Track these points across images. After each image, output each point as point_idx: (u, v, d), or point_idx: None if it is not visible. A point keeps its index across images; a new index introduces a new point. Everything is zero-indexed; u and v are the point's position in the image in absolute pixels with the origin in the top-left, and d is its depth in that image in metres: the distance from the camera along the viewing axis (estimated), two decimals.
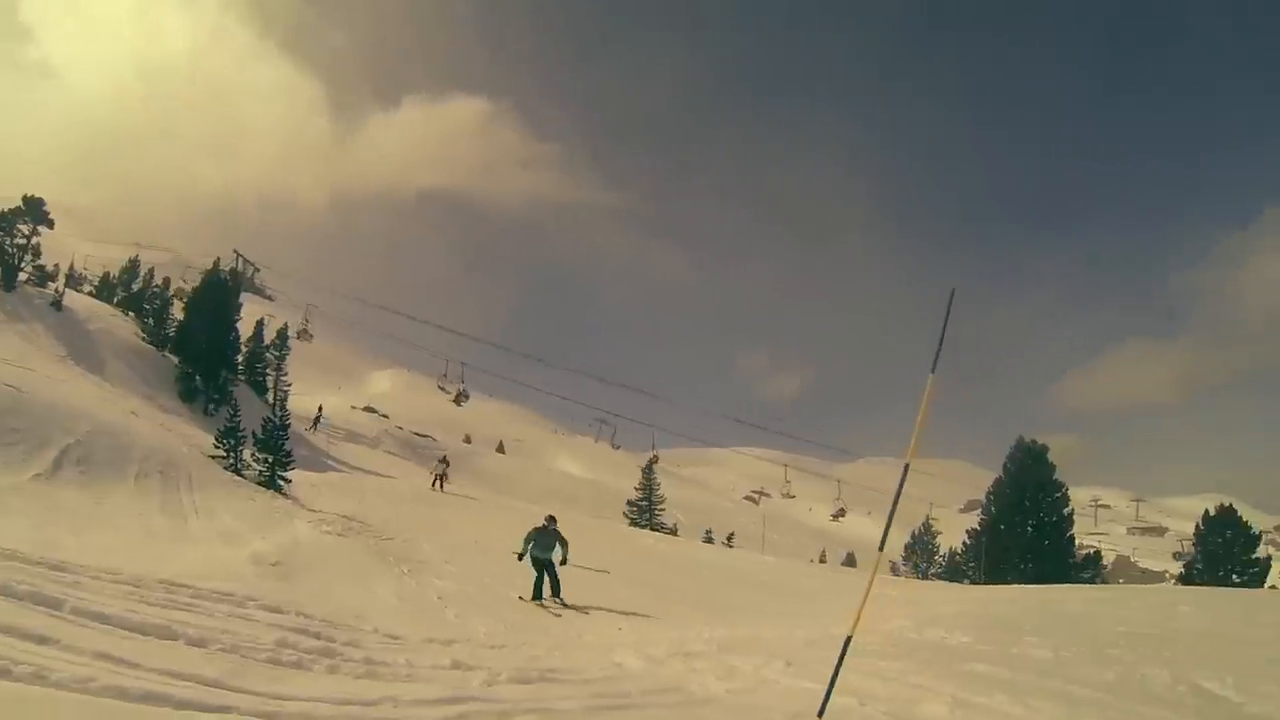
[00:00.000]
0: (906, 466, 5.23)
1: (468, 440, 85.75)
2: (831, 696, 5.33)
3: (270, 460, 20.91)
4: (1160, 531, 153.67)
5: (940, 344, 4.83)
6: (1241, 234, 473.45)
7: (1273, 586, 37.74)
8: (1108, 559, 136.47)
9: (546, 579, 12.66)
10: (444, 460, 32.23)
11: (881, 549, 5.38)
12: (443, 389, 53.81)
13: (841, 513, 60.01)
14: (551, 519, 13.29)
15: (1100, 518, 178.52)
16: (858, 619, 5.10)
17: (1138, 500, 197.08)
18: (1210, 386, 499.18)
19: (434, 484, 29.24)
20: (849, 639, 5.06)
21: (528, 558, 12.75)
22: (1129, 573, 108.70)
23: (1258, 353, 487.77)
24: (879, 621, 10.57)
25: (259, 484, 20.14)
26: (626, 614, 12.30)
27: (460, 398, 50.88)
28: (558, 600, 12.51)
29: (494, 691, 5.96)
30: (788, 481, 61.61)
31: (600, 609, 12.45)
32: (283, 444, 21.35)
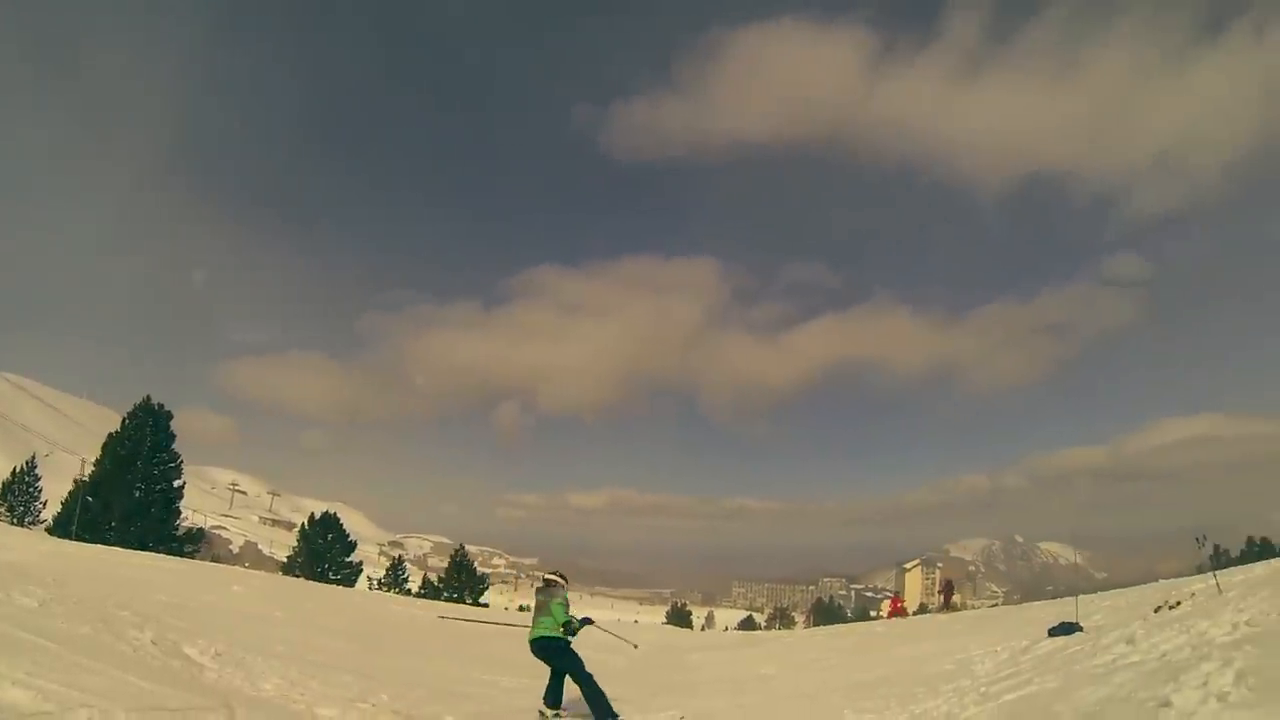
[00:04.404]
0: None
1: None
2: None
3: None
4: (290, 526, 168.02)
5: None
6: (431, 307, 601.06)
7: (378, 586, 44.61)
8: (238, 543, 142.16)
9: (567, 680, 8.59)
10: None
11: None
12: None
13: None
14: (554, 580, 9.09)
15: (237, 502, 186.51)
16: None
17: (274, 493, 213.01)
18: (364, 414, 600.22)
19: None
20: None
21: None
22: (254, 558, 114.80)
23: (412, 404, 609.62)
24: None
25: None
26: None
27: None
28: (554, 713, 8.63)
29: None
30: None
31: None
32: None
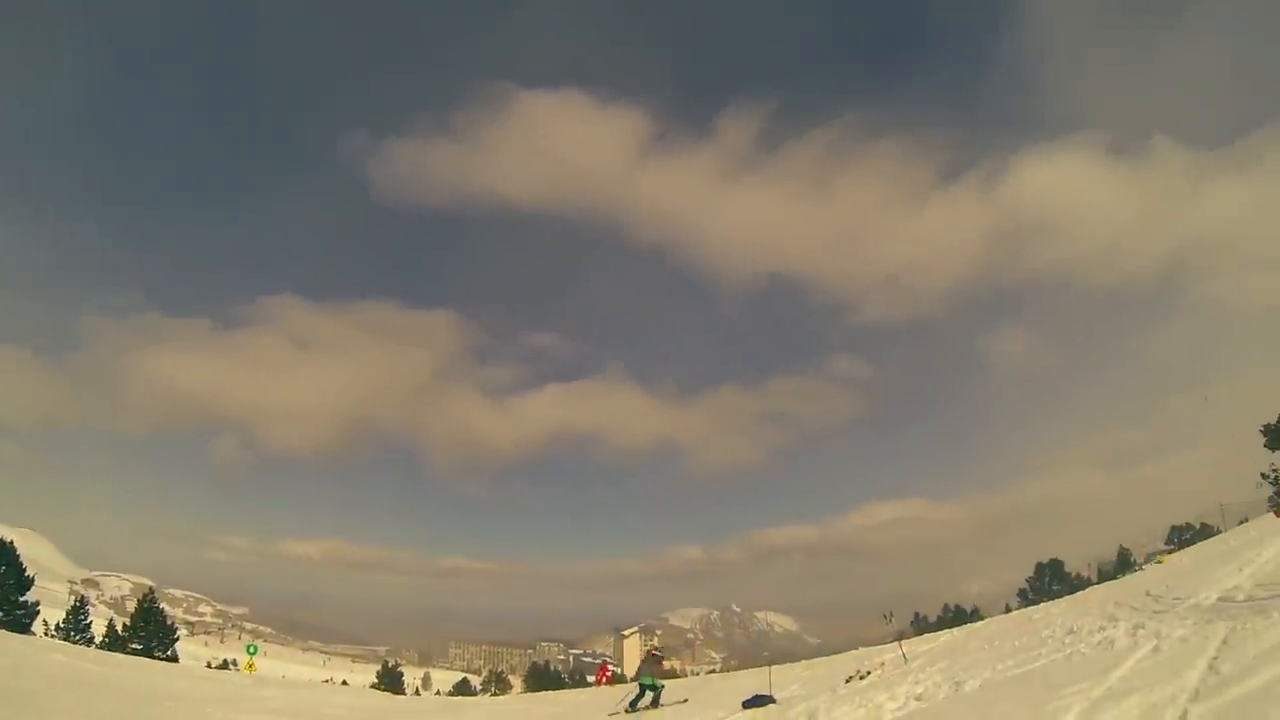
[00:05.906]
0: None
1: None
2: None
3: None
4: None
5: None
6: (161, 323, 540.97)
7: (54, 632, 39.42)
8: None
9: (647, 695, 16.75)
10: None
11: None
12: None
13: None
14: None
15: None
16: None
17: None
18: (68, 427, 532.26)
19: None
20: None
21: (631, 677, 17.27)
22: None
23: (124, 422, 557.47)
24: None
25: None
26: None
27: None
28: (655, 707, 16.55)
29: None
30: None
31: None
32: None
